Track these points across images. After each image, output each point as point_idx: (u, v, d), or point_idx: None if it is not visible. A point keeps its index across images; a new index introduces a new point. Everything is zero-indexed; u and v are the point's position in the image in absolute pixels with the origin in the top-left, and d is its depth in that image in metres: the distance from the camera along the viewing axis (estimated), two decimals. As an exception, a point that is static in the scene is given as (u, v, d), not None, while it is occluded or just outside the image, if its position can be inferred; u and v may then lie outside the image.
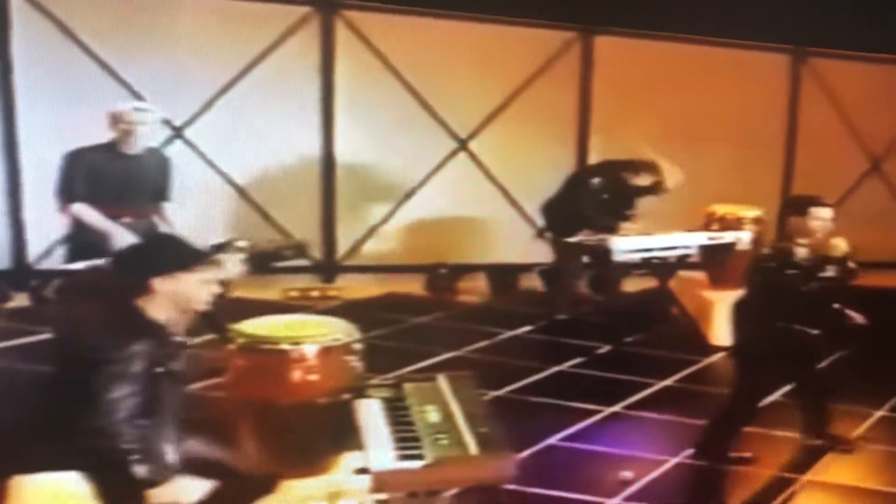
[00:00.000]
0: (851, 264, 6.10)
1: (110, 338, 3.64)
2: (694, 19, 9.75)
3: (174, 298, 3.81)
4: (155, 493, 3.64)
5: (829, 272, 6.00)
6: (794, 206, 6.22)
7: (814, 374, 6.35)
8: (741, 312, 6.20)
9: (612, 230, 8.15)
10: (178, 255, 3.88)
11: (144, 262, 3.88)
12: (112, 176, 6.55)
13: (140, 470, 3.61)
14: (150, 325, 3.76)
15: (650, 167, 8.28)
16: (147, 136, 6.69)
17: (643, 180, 8.33)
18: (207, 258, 3.95)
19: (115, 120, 6.58)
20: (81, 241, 6.49)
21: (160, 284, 3.77)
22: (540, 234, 9.11)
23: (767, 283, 6.03)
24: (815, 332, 6.09)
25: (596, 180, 8.46)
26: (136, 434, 3.63)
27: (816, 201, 6.17)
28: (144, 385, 3.67)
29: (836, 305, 6.28)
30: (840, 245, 6.05)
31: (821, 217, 6.09)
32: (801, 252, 6.04)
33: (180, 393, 3.93)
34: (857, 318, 6.43)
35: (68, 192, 6.55)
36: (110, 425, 3.57)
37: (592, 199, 8.33)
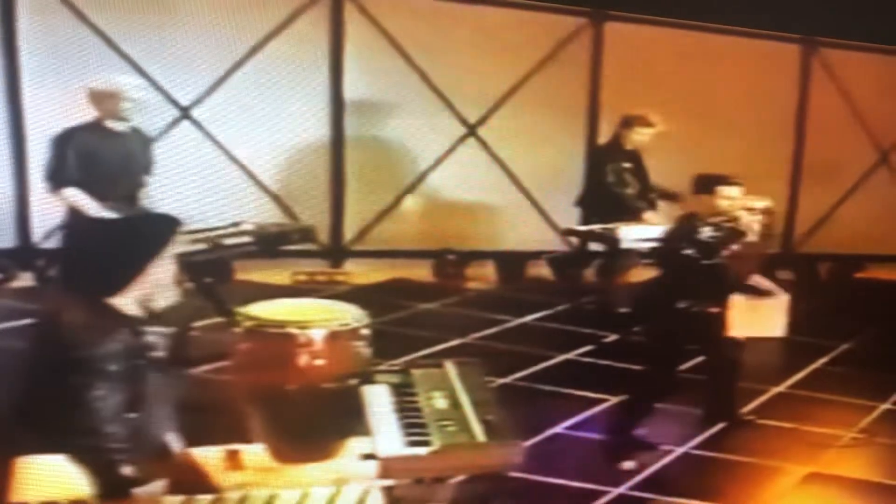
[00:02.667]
0: (756, 237, 6.16)
1: (86, 337, 3.57)
2: (705, 7, 9.71)
3: (144, 287, 3.73)
4: (146, 488, 3.61)
5: (735, 248, 6.09)
6: (702, 184, 6.26)
7: (719, 351, 6.35)
8: (649, 291, 6.24)
9: (637, 209, 8.17)
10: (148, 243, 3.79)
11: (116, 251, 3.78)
12: (102, 156, 6.50)
13: (129, 467, 3.57)
14: (122, 318, 3.68)
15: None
16: (133, 113, 6.63)
17: None
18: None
19: (102, 95, 6.50)
20: (77, 223, 6.45)
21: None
22: (568, 232, 9.12)
23: (672, 261, 6.09)
24: (718, 309, 6.13)
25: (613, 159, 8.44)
26: (124, 430, 3.58)
27: (724, 180, 6.21)
28: (127, 379, 3.62)
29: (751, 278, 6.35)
30: (747, 220, 6.10)
31: (728, 196, 6.12)
32: (707, 229, 6.05)
33: (167, 382, 3.87)
34: (768, 286, 6.51)
35: (59, 175, 6.48)
36: (95, 425, 3.52)
37: (616, 174, 8.33)
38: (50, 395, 3.56)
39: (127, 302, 3.68)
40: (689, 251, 6.00)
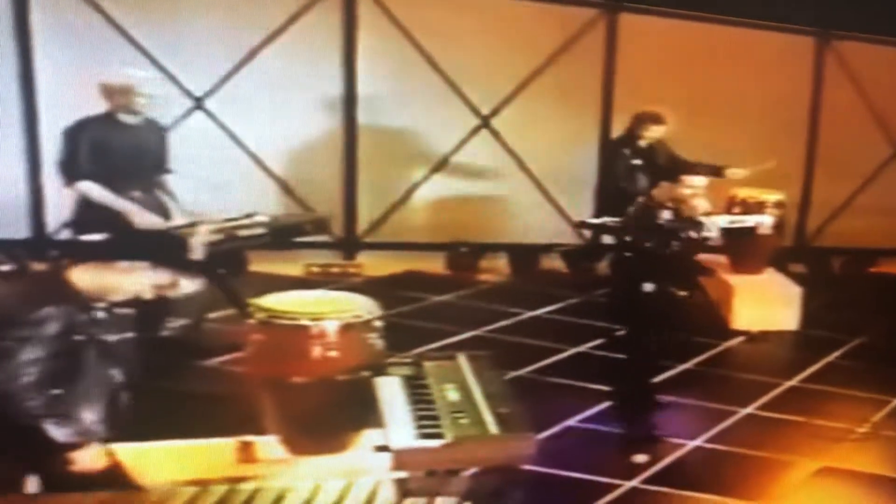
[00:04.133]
0: (712, 228, 6.21)
1: (25, 300, 3.59)
2: (719, -1, 9.71)
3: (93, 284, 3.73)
4: (71, 457, 3.62)
5: (692, 234, 6.14)
6: (668, 171, 6.31)
7: (675, 334, 6.39)
8: (614, 274, 6.30)
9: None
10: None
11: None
12: (115, 148, 6.49)
13: (52, 434, 3.58)
14: (67, 291, 3.68)
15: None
16: (147, 106, 6.64)
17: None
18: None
19: (115, 89, 6.51)
20: (88, 217, 6.45)
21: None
22: (581, 225, 9.10)
23: (631, 245, 6.15)
24: (680, 293, 6.21)
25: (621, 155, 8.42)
26: (47, 399, 3.59)
27: (689, 169, 6.24)
28: (60, 351, 3.62)
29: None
30: (704, 207, 6.15)
31: (691, 185, 6.14)
32: (666, 215, 6.14)
33: (109, 363, 3.87)
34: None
35: (72, 168, 6.48)
36: (16, 388, 3.52)
37: (623, 170, 8.31)
38: None
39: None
40: (645, 238, 6.05)
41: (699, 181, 6.17)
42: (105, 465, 3.76)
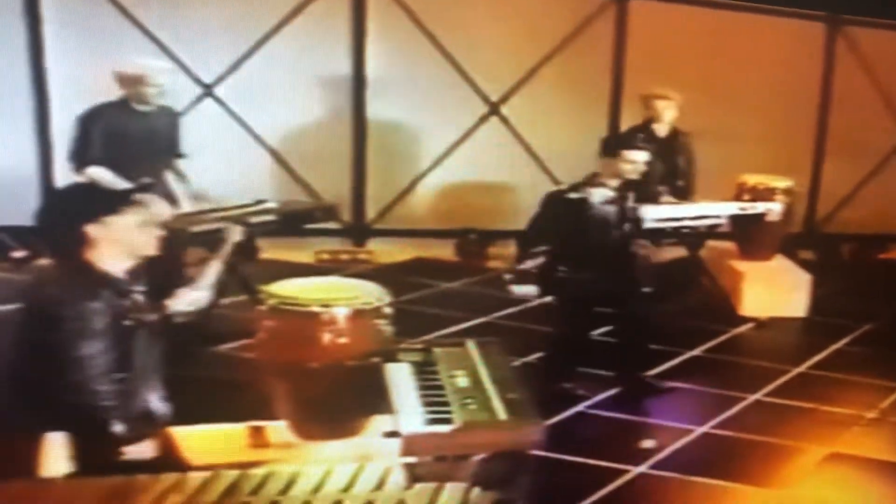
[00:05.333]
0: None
1: (66, 295, 3.62)
2: (730, -15, 9.69)
3: (115, 245, 3.78)
4: (134, 448, 3.66)
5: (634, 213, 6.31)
6: (607, 146, 6.33)
7: (626, 315, 6.45)
8: (557, 254, 6.34)
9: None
10: (98, 200, 3.85)
11: (69, 211, 3.81)
12: (128, 135, 6.51)
13: (117, 425, 3.62)
14: (104, 278, 3.72)
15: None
16: (161, 94, 6.66)
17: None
18: (129, 199, 3.87)
19: (129, 78, 6.53)
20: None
21: (95, 232, 3.73)
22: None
23: (570, 224, 6.23)
24: (621, 273, 6.29)
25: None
26: (111, 390, 3.63)
27: (629, 143, 6.26)
28: (114, 340, 3.66)
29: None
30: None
31: (631, 160, 6.16)
32: (606, 193, 6.21)
33: (157, 344, 3.92)
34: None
35: (83, 154, 6.50)
36: (83, 382, 3.57)
37: None
38: (36, 357, 3.61)
39: (105, 259, 3.73)
40: (584, 212, 6.18)
41: (640, 156, 6.20)
42: (161, 449, 3.81)
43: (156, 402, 3.92)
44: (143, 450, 3.71)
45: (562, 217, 6.27)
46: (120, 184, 6.39)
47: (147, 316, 3.85)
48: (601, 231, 6.23)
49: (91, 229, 3.70)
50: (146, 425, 3.79)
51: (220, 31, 8.98)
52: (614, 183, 6.26)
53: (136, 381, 3.79)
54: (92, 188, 3.95)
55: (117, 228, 3.74)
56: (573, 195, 6.27)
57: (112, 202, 3.80)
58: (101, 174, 6.43)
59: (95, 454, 3.61)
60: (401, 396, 3.86)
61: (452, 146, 9.78)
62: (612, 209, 6.27)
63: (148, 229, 3.83)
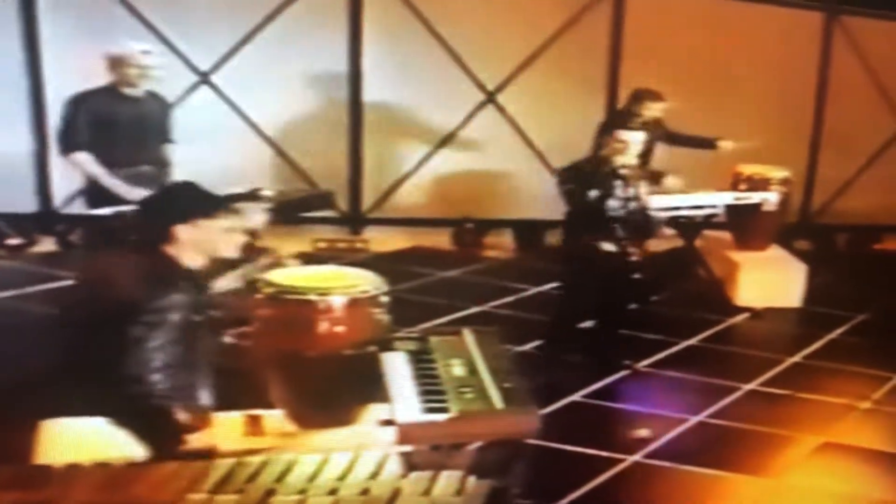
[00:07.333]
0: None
1: (148, 288, 3.66)
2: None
3: (198, 246, 3.84)
4: (192, 438, 3.69)
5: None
6: (605, 125, 6.42)
7: (614, 292, 6.55)
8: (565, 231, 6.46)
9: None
10: (198, 202, 3.89)
11: (166, 210, 3.89)
12: (115, 120, 6.47)
13: (178, 415, 3.66)
14: (185, 274, 3.79)
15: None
16: (150, 80, 6.64)
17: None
18: (227, 205, 3.95)
19: (118, 63, 6.50)
20: (100, 188, 6.45)
21: (182, 232, 3.79)
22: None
23: (572, 200, 6.41)
24: (614, 248, 6.41)
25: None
26: (173, 382, 3.68)
27: (623, 124, 6.33)
28: (181, 333, 3.72)
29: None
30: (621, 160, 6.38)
31: (621, 140, 6.25)
32: (605, 169, 6.35)
33: (214, 340, 3.98)
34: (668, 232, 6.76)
35: (70, 139, 6.46)
36: (148, 374, 3.62)
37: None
38: (102, 345, 3.63)
39: (185, 256, 3.77)
40: (582, 191, 6.32)
41: (630, 136, 6.25)
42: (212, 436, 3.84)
43: (206, 394, 3.96)
44: (199, 438, 3.74)
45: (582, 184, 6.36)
46: (103, 175, 6.38)
47: (211, 312, 3.90)
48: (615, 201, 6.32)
49: (180, 228, 3.75)
50: (199, 413, 3.82)
51: (216, 18, 8.96)
52: (622, 160, 6.34)
53: (193, 374, 3.83)
54: (195, 189, 3.95)
55: (205, 230, 3.80)
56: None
57: (212, 207, 3.84)
58: (85, 161, 6.39)
59: (156, 441, 3.65)
60: (397, 385, 3.87)
61: (449, 135, 9.77)
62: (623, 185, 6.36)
63: (233, 234, 3.89)
